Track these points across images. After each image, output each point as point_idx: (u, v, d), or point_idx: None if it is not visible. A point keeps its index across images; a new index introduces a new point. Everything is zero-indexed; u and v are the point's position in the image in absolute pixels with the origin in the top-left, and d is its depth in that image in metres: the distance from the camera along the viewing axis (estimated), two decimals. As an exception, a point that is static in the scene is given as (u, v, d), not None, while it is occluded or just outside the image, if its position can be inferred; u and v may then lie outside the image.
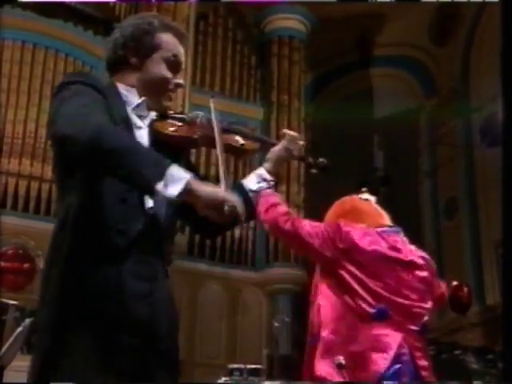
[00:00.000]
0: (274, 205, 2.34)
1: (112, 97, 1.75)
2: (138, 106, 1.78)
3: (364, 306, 2.20)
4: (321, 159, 1.91)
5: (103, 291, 1.59)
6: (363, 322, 2.20)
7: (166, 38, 1.82)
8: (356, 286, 2.22)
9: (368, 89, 11.72)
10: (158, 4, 9.48)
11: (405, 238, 2.41)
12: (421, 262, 2.36)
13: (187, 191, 1.50)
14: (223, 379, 6.57)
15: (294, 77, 10.40)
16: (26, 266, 8.10)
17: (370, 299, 2.21)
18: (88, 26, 9.16)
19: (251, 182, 1.89)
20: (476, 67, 10.31)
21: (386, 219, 2.47)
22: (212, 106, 1.88)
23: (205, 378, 8.13)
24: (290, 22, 10.57)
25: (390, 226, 2.43)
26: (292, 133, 1.96)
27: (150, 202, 1.70)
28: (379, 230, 2.37)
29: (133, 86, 1.80)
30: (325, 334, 2.23)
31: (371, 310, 2.19)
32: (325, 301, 2.30)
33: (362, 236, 2.28)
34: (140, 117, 1.79)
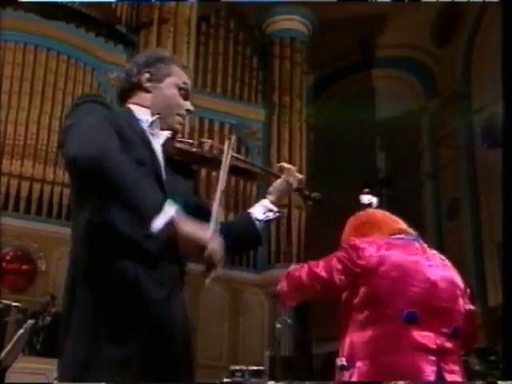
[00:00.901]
0: (291, 271, 2.37)
1: (127, 117, 1.82)
2: (151, 123, 1.84)
3: (393, 312, 2.18)
4: (314, 194, 2.06)
5: (123, 299, 1.64)
6: (394, 330, 2.18)
7: (177, 69, 1.93)
8: (382, 296, 2.20)
9: (370, 90, 11.72)
10: (159, 6, 9.48)
11: (423, 243, 2.40)
12: (442, 263, 2.35)
13: (170, 226, 1.55)
14: (225, 380, 6.58)
15: (296, 78, 10.41)
16: (24, 267, 8.10)
17: (398, 304, 2.19)
18: (90, 28, 9.18)
19: (258, 212, 1.98)
20: (478, 68, 10.31)
21: (404, 226, 2.47)
22: (229, 142, 1.94)
23: (207, 379, 8.13)
24: (291, 24, 10.58)
25: (409, 233, 2.42)
26: (290, 166, 2.06)
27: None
28: (396, 237, 2.36)
29: (146, 107, 1.87)
30: (360, 363, 2.21)
31: (401, 314, 2.18)
32: (351, 311, 2.27)
33: (380, 247, 2.27)
34: (152, 135, 1.84)
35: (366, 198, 5.77)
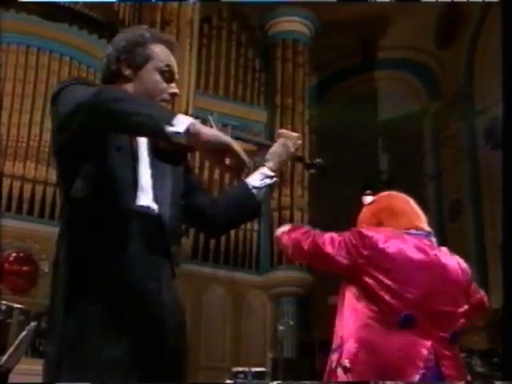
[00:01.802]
0: (295, 228, 2.34)
1: None
2: None
3: (390, 312, 2.13)
4: (317, 159, 1.98)
5: (111, 291, 1.61)
6: (389, 330, 2.13)
7: (158, 49, 1.85)
8: (382, 293, 2.15)
9: (372, 91, 11.72)
10: (161, 8, 9.48)
11: (435, 241, 2.34)
12: (453, 265, 2.29)
13: (192, 131, 1.48)
14: (228, 382, 6.57)
15: (298, 80, 10.41)
16: (26, 268, 8.10)
17: (396, 305, 2.14)
18: (92, 30, 9.18)
19: (254, 179, 1.92)
20: (480, 70, 10.30)
21: (422, 220, 2.39)
22: (211, 119, 1.89)
23: (209, 381, 8.13)
24: (293, 25, 10.58)
25: (422, 229, 2.36)
26: (285, 131, 2.01)
27: (154, 205, 1.72)
28: (408, 231, 2.30)
29: None
30: (349, 344, 2.17)
31: (397, 317, 2.13)
32: (349, 311, 2.23)
33: (387, 240, 2.21)
34: None
35: (368, 200, 5.78)
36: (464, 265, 2.35)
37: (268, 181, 1.91)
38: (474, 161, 10.15)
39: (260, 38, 10.93)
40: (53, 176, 8.48)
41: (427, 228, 2.38)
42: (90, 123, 1.59)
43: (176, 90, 1.87)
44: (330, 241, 2.24)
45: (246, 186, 1.91)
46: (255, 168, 1.95)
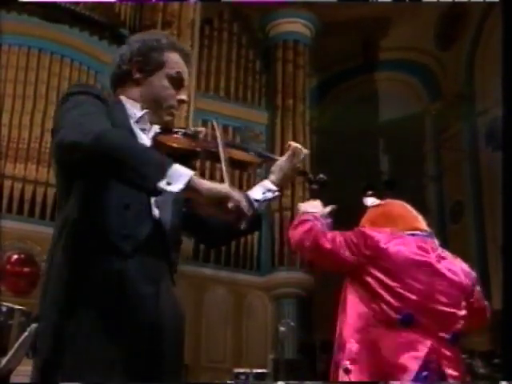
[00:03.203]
0: (303, 222, 2.35)
1: (116, 109, 1.77)
2: (140, 118, 1.80)
3: (390, 312, 2.14)
4: (320, 175, 1.96)
5: (107, 293, 1.60)
6: (390, 329, 2.14)
7: (172, 57, 1.85)
8: (382, 292, 2.15)
9: (373, 93, 11.71)
10: (163, 9, 9.49)
11: (437, 243, 2.35)
12: (454, 266, 2.30)
13: (190, 187, 1.50)
14: (229, 383, 6.57)
15: (299, 81, 10.41)
16: (28, 270, 8.10)
17: (396, 305, 2.14)
18: (93, 32, 9.19)
19: (256, 192, 1.91)
20: (481, 71, 10.30)
21: (421, 222, 2.41)
22: (215, 124, 1.89)
23: (211, 382, 8.12)
24: (294, 26, 10.59)
25: (423, 230, 2.36)
26: (296, 145, 1.97)
27: (155, 210, 1.71)
28: (409, 233, 2.31)
29: (136, 101, 1.82)
30: (350, 345, 2.17)
31: (397, 316, 2.13)
32: (351, 310, 2.24)
33: (388, 240, 2.22)
34: (143, 130, 1.80)
35: (369, 201, 5.78)
36: (467, 268, 2.36)
37: (270, 195, 1.90)
38: (475, 162, 10.15)
39: (261, 39, 10.93)
40: (53, 177, 8.49)
41: (427, 229, 2.39)
42: (88, 165, 1.58)
43: (184, 97, 1.87)
44: (332, 239, 2.26)
45: (247, 198, 1.88)
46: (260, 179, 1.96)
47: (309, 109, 10.50)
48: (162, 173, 1.49)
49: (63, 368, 1.56)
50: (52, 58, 8.95)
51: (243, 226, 1.56)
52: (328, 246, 2.24)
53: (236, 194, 1.53)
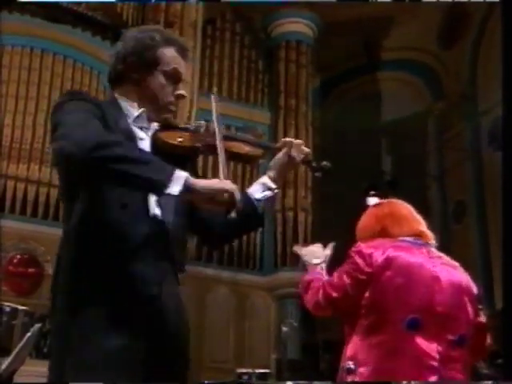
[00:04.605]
0: (309, 285, 2.35)
1: (113, 110, 1.78)
2: (137, 117, 1.80)
3: (395, 319, 2.14)
4: (324, 162, 1.95)
5: (110, 295, 1.62)
6: (397, 336, 2.14)
7: (168, 53, 1.84)
8: (386, 300, 2.16)
9: (376, 92, 11.71)
10: (165, 9, 9.49)
11: (432, 249, 2.35)
12: (452, 268, 2.30)
13: (187, 188, 1.54)
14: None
15: (302, 81, 10.40)
16: (30, 270, 8.12)
17: (401, 311, 2.15)
18: (96, 32, 9.20)
19: (256, 191, 1.91)
20: (484, 70, 10.29)
21: (423, 226, 2.41)
22: (214, 104, 1.90)
23: (213, 382, 8.12)
24: (297, 26, 10.58)
25: (422, 235, 2.37)
26: (293, 140, 1.96)
27: (156, 210, 1.72)
28: (405, 239, 2.32)
29: (133, 100, 1.82)
30: (362, 369, 2.17)
31: (403, 321, 2.13)
32: (356, 329, 2.24)
33: (385, 251, 2.22)
34: (142, 128, 1.81)
35: (372, 201, 5.77)
36: (469, 279, 2.35)
37: (269, 193, 1.91)
38: (478, 161, 10.14)
39: (263, 39, 10.93)
40: (56, 177, 8.50)
41: (429, 233, 2.39)
42: (91, 176, 1.62)
43: (182, 92, 1.87)
44: (338, 285, 2.25)
45: (248, 198, 1.89)
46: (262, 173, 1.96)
47: (311, 109, 10.49)
48: (164, 179, 1.54)
49: (74, 366, 1.58)
50: (55, 59, 8.97)
51: (234, 214, 1.60)
52: (338, 295, 2.24)
53: (228, 186, 1.58)
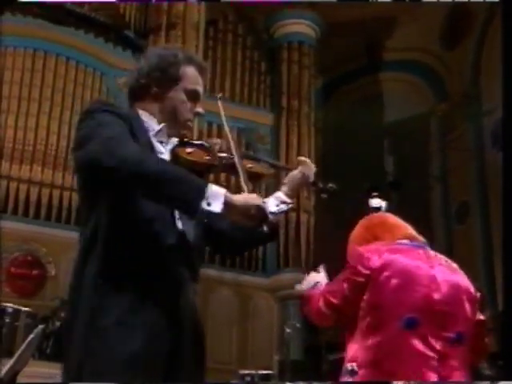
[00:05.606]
0: (310, 298, 2.39)
1: (134, 123, 1.81)
2: (158, 132, 1.85)
3: (394, 319, 2.16)
4: (330, 184, 2.02)
5: (135, 304, 1.65)
6: (395, 336, 2.16)
7: (189, 71, 1.90)
8: (383, 300, 2.18)
9: (378, 93, 11.70)
10: (167, 10, 9.50)
11: (428, 250, 2.37)
12: (449, 268, 2.31)
13: (227, 204, 1.59)
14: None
15: (304, 82, 10.41)
16: (33, 272, 8.13)
17: (398, 311, 2.17)
18: (99, 34, 9.22)
19: (271, 204, 1.95)
20: (487, 71, 10.27)
21: (412, 231, 2.45)
22: (220, 104, 2.02)
23: (216, 383, 8.11)
24: (299, 28, 10.58)
25: (416, 238, 2.40)
26: (306, 159, 2.04)
27: (178, 222, 1.77)
28: (401, 242, 2.34)
29: (153, 115, 1.87)
30: (363, 371, 2.19)
31: (401, 321, 2.15)
32: (358, 334, 2.25)
33: (382, 254, 2.25)
34: (161, 143, 1.86)
35: (374, 202, 5.76)
36: (465, 278, 2.36)
37: (284, 207, 1.96)
38: (481, 162, 10.13)
39: (265, 40, 10.94)
40: (58, 179, 8.51)
41: (420, 237, 2.43)
42: (128, 187, 1.66)
43: (201, 110, 1.94)
44: (338, 293, 2.28)
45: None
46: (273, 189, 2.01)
47: (314, 110, 10.49)
48: (201, 195, 1.58)
49: (93, 367, 1.60)
50: (57, 60, 8.98)
51: (266, 228, 1.68)
52: (340, 302, 2.27)
53: (259, 200, 1.65)
